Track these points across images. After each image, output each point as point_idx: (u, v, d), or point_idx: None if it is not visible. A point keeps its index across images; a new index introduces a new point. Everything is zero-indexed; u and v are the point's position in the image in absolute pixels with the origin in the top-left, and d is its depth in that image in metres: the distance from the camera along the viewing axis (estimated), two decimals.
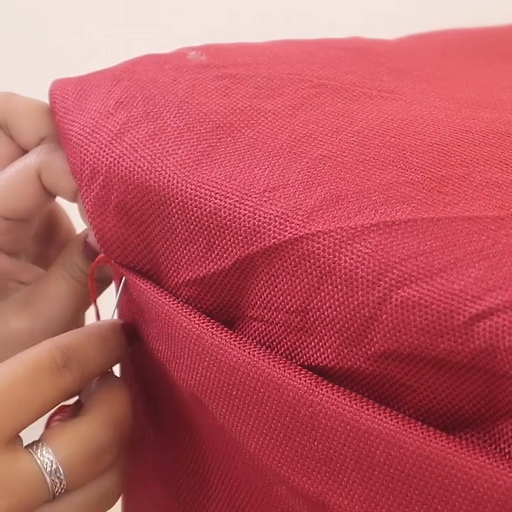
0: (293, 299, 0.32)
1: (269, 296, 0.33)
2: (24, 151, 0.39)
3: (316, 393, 0.31)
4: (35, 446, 0.34)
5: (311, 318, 0.32)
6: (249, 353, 0.32)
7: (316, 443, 0.31)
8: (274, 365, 0.32)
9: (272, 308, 0.33)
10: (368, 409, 0.30)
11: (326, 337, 0.31)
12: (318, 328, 0.31)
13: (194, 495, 0.39)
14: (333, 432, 0.30)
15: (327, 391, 0.31)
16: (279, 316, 0.32)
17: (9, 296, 0.40)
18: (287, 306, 0.32)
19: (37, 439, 0.35)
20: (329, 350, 0.31)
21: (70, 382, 0.35)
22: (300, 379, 0.31)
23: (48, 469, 0.34)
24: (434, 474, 0.29)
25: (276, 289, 0.32)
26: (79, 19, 0.88)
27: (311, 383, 0.31)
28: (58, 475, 0.34)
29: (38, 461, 0.34)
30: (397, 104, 0.38)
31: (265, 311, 0.33)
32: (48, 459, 0.34)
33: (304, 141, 0.35)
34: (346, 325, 0.31)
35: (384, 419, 0.30)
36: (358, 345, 0.30)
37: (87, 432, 0.35)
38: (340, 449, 0.30)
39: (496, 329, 0.28)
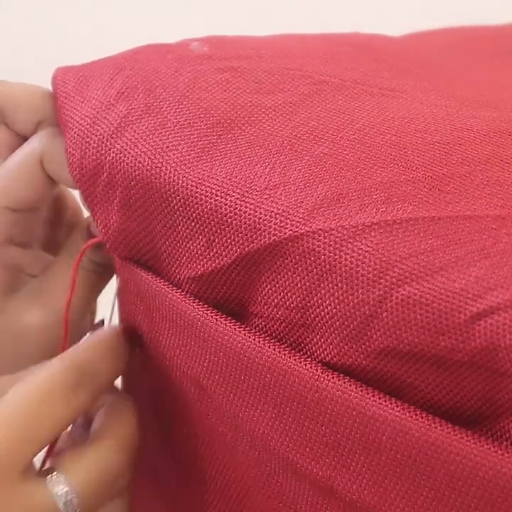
0: (293, 296, 0.32)
1: (270, 292, 0.33)
2: (22, 138, 0.39)
3: (322, 379, 0.31)
4: (50, 476, 0.33)
5: (311, 315, 0.32)
6: (254, 339, 0.33)
7: (323, 428, 0.31)
8: (279, 352, 0.32)
9: (273, 304, 0.33)
10: (373, 396, 0.30)
11: (326, 334, 0.31)
12: (319, 325, 0.31)
13: (190, 486, 0.39)
14: (339, 417, 0.31)
15: (333, 377, 0.31)
16: (280, 313, 0.33)
17: (20, 289, 0.40)
18: (287, 303, 0.32)
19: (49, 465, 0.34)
20: (330, 347, 0.31)
21: (83, 401, 0.34)
22: (306, 365, 0.31)
23: (63, 501, 0.33)
24: (440, 461, 0.29)
25: (277, 286, 0.32)
26: (81, 15, 0.88)
27: (316, 369, 0.31)
28: (73, 506, 0.33)
29: (54, 494, 0.33)
30: (398, 102, 0.38)
31: (266, 307, 0.33)
32: (64, 490, 0.33)
33: (305, 139, 0.35)
34: (346, 322, 0.31)
35: (389, 405, 0.30)
36: (357, 342, 0.30)
37: (103, 460, 0.34)
38: (348, 434, 0.31)
39: (497, 328, 0.28)
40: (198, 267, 0.34)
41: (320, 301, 0.31)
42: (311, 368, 0.31)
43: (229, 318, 0.33)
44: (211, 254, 0.33)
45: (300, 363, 0.31)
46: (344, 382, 0.31)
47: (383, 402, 0.30)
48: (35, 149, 0.37)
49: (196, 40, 0.39)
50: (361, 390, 0.30)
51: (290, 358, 0.32)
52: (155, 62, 0.38)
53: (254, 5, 0.88)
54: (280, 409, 0.32)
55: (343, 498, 0.32)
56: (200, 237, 0.33)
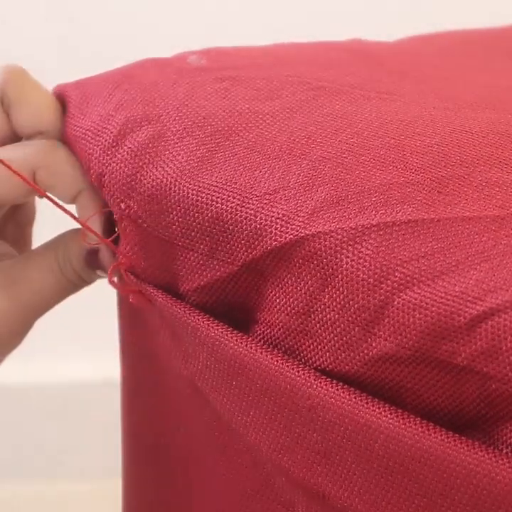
0: (296, 301, 0.32)
1: (274, 298, 0.33)
2: (15, 134, 0.38)
3: (314, 386, 0.31)
4: None
5: (313, 321, 0.32)
6: (246, 345, 0.32)
7: (315, 435, 0.31)
8: (271, 358, 0.32)
9: (273, 310, 0.33)
10: (366, 403, 0.30)
11: (325, 340, 0.31)
12: (319, 331, 0.31)
13: (185, 488, 0.39)
14: (331, 424, 0.31)
15: (326, 384, 0.31)
16: (280, 319, 0.33)
17: None
18: (289, 308, 0.32)
19: None
20: (328, 353, 0.31)
21: None
22: (298, 372, 0.31)
23: None
24: (434, 468, 0.29)
25: (281, 291, 0.32)
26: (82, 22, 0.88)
27: (309, 376, 0.31)
28: None
29: None
30: (396, 105, 0.38)
31: (268, 313, 0.33)
32: None
33: (303, 143, 0.35)
34: (347, 328, 0.31)
35: (383, 412, 0.30)
36: (357, 348, 0.30)
37: None
38: (340, 441, 0.31)
39: (498, 330, 0.28)
40: (200, 278, 0.34)
41: (323, 306, 0.31)
42: (303, 374, 0.31)
43: (221, 323, 0.33)
44: (214, 263, 0.33)
45: (292, 369, 0.31)
46: (337, 389, 0.31)
47: (376, 409, 0.30)
48: (29, 159, 0.37)
49: (194, 53, 0.40)
50: (354, 397, 0.30)
51: (282, 364, 0.32)
52: (153, 76, 0.38)
53: (252, 15, 0.88)
54: (271, 416, 0.32)
55: (335, 505, 0.32)
56: (202, 246, 0.33)
